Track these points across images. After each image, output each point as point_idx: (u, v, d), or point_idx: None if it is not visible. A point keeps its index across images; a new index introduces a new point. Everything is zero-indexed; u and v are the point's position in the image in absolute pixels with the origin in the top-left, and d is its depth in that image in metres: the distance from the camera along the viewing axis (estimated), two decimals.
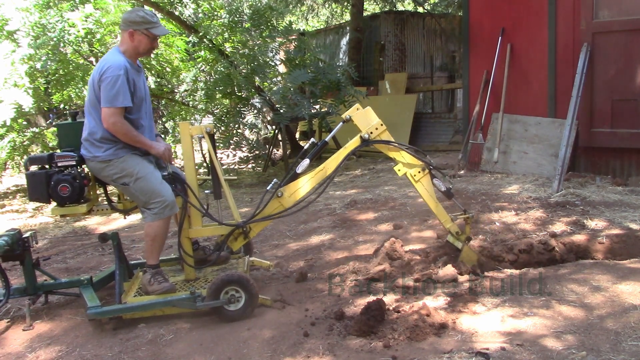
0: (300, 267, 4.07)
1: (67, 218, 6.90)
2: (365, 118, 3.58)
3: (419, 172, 3.56)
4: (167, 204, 3.34)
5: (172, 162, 3.57)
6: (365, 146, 3.58)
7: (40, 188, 3.35)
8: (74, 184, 3.34)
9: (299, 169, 3.55)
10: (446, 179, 3.66)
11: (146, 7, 8.62)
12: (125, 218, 4.02)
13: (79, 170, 3.43)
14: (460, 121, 9.59)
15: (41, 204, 7.77)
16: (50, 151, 3.64)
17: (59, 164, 3.40)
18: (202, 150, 3.56)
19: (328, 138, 3.76)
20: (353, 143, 3.56)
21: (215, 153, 3.54)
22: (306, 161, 3.56)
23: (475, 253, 3.69)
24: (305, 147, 3.64)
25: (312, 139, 3.69)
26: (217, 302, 3.20)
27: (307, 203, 3.68)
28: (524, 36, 6.67)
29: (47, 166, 3.43)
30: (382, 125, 3.56)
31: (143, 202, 3.39)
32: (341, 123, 3.65)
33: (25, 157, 9.56)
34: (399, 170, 3.61)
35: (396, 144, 3.59)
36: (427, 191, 3.57)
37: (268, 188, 3.55)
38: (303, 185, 3.53)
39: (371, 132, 3.55)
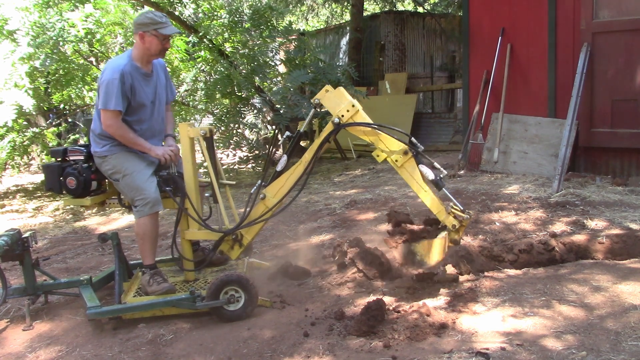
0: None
1: (67, 218, 6.96)
2: (335, 100, 3.19)
3: (401, 156, 3.10)
4: (148, 201, 3.36)
5: (176, 163, 3.57)
6: (338, 131, 3.22)
7: (53, 179, 3.55)
8: (79, 177, 3.48)
9: (279, 167, 3.41)
10: (435, 165, 3.17)
11: (146, 7, 8.63)
12: (130, 214, 4.07)
13: (88, 164, 3.54)
14: (460, 121, 9.60)
15: (44, 203, 7.93)
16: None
17: (71, 158, 3.57)
18: (202, 151, 3.54)
19: (302, 128, 3.55)
20: (326, 130, 3.24)
21: (214, 155, 3.51)
22: (284, 158, 3.43)
23: (442, 253, 3.11)
24: (280, 142, 3.55)
25: (287, 132, 3.53)
26: (217, 302, 3.20)
27: (290, 199, 3.41)
28: (524, 36, 6.67)
29: (66, 158, 3.62)
30: (353, 106, 3.15)
31: (130, 199, 3.46)
32: (312, 110, 3.42)
33: (25, 157, 9.60)
34: (378, 156, 3.17)
35: (372, 126, 3.16)
36: (412, 178, 3.10)
37: (252, 191, 3.45)
38: (284, 183, 3.39)
39: (342, 115, 3.15)
